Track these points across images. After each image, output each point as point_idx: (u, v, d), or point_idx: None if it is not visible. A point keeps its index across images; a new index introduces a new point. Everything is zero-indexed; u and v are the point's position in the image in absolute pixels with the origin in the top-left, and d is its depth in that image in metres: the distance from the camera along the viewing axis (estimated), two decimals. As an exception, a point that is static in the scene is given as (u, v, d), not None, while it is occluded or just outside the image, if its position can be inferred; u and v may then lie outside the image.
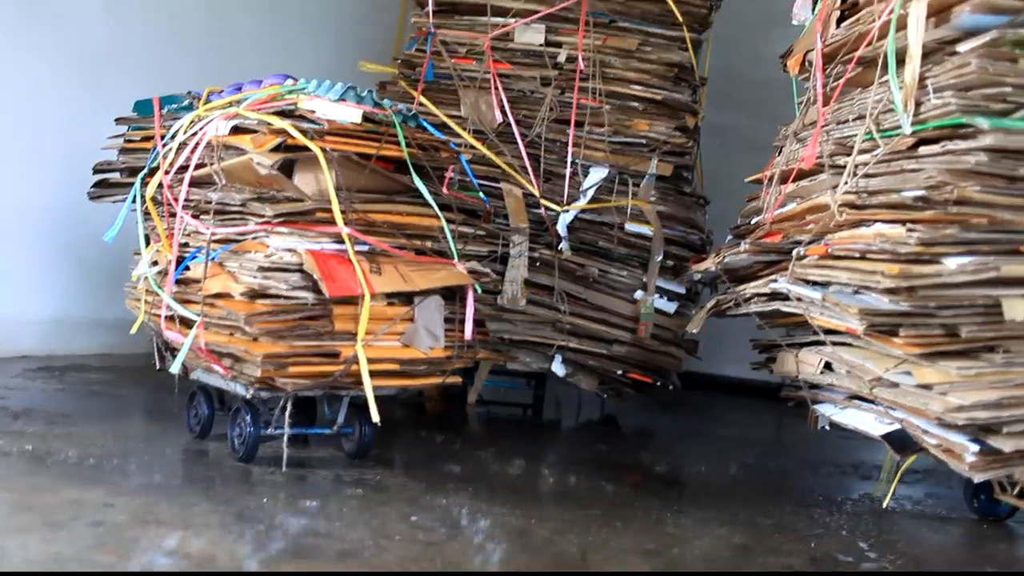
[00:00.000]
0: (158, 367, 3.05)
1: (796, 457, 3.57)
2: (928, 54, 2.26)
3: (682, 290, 3.68)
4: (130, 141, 3.29)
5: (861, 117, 2.44)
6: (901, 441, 2.36)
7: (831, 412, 2.63)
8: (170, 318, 2.75)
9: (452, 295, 2.79)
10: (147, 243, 2.99)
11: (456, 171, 3.04)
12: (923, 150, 2.20)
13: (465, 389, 3.76)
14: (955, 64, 2.15)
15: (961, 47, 2.19)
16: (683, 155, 3.77)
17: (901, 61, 2.28)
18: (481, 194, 3.15)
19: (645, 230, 3.62)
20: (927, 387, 2.17)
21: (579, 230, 3.64)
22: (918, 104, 2.23)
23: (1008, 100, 2.09)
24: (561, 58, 3.65)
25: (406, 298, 2.70)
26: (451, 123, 3.61)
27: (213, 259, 2.68)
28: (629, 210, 3.62)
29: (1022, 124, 2.06)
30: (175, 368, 2.73)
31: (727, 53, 4.22)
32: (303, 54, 4.73)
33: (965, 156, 2.08)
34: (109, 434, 2.82)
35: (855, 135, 2.45)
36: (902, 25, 2.28)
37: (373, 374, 2.55)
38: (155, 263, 2.91)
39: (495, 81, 3.64)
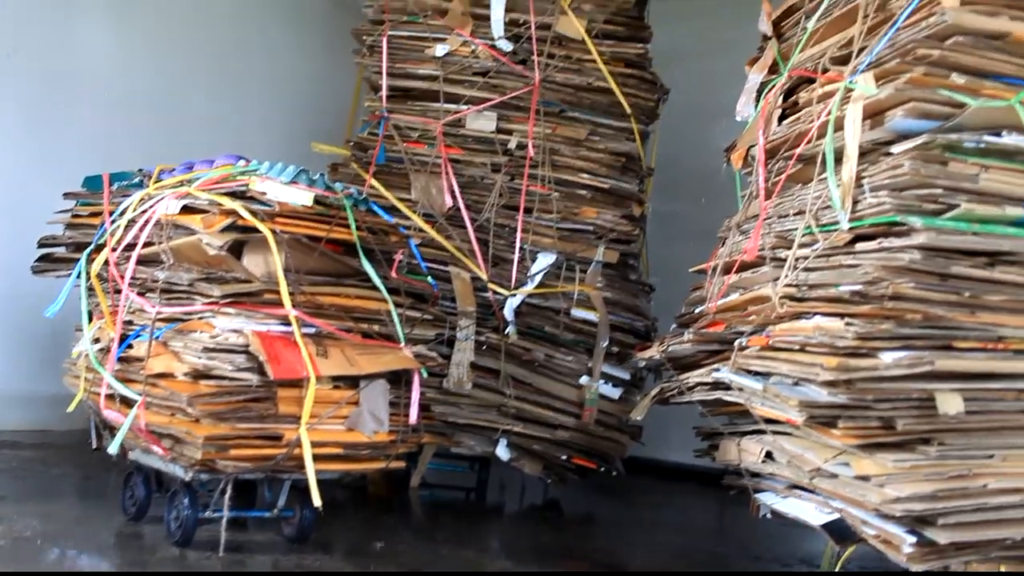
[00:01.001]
0: (95, 446, 2.99)
1: (738, 545, 3.58)
2: (864, 154, 2.35)
3: (627, 376, 3.71)
4: (78, 216, 3.27)
5: (801, 212, 2.51)
6: (840, 531, 2.38)
7: (773, 501, 2.65)
8: (110, 397, 2.71)
9: (398, 379, 2.79)
10: (90, 319, 2.96)
11: (405, 255, 3.07)
12: (860, 246, 2.27)
13: (409, 472, 3.73)
14: (889, 165, 2.23)
15: (895, 149, 2.27)
16: (629, 243, 3.84)
17: (839, 160, 2.35)
18: (429, 278, 3.17)
19: (591, 316, 3.66)
20: (865, 478, 2.20)
21: (526, 315, 3.68)
22: (855, 202, 2.30)
23: (939, 201, 2.16)
24: (512, 145, 3.72)
25: (352, 381, 2.70)
26: (401, 206, 3.65)
27: (157, 338, 2.65)
28: (576, 296, 3.67)
29: (953, 224, 2.13)
30: (113, 448, 2.68)
31: (674, 144, 4.33)
32: (256, 134, 4.76)
33: (900, 253, 2.14)
34: (41, 515, 2.75)
35: (795, 229, 2.51)
36: (840, 126, 2.37)
37: (316, 458, 2.53)
38: (97, 340, 2.88)
39: (446, 166, 3.70)
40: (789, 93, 2.81)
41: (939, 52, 2.18)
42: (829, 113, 2.40)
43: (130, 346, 2.74)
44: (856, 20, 2.48)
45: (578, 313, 3.68)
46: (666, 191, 4.53)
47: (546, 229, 3.70)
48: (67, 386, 3.03)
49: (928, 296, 2.14)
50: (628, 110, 3.76)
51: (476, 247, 3.65)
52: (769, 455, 2.58)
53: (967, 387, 2.15)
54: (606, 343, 3.66)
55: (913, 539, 2.15)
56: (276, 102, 4.96)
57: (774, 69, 2.95)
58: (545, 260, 3.67)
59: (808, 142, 2.53)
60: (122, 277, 2.75)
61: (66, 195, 3.29)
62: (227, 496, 2.55)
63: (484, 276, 3.63)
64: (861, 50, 2.43)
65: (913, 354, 2.11)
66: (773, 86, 2.86)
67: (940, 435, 2.17)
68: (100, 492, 3.17)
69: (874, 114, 2.32)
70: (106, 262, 2.85)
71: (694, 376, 2.74)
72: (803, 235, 2.47)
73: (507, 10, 3.71)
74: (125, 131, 4.23)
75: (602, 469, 3.79)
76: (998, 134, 2.19)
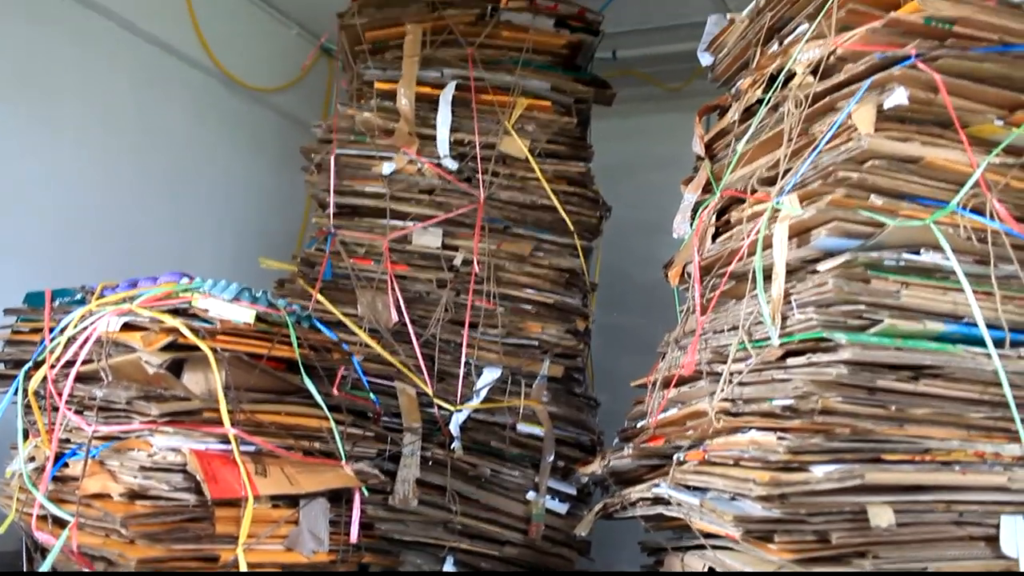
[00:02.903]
0: (26, 570, 2.90)
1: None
2: (792, 271, 2.43)
3: (573, 491, 3.70)
4: (18, 332, 3.24)
5: (735, 328, 2.57)
6: (785, 648, 2.37)
7: (719, 617, 2.63)
8: (42, 518, 2.65)
9: (339, 497, 2.76)
10: (26, 438, 2.91)
11: (349, 371, 3.08)
12: (791, 361, 2.32)
13: (355, 592, 3.66)
14: (815, 282, 2.30)
15: (821, 266, 2.35)
16: (574, 357, 3.87)
17: (769, 277, 2.43)
18: (372, 395, 3.18)
19: (537, 431, 3.67)
20: (804, 594, 2.21)
21: (472, 430, 3.67)
22: (784, 318, 2.37)
23: (863, 317, 2.23)
24: (457, 261, 3.77)
25: (291, 500, 2.67)
26: (347, 322, 3.67)
27: (93, 457, 2.62)
28: (521, 411, 3.67)
29: (877, 339, 2.20)
30: (44, 571, 2.60)
31: (618, 257, 4.42)
32: (206, 251, 4.78)
33: (827, 368, 2.20)
34: (-35, 645, 2.65)
35: (730, 344, 2.57)
36: (768, 244, 2.45)
37: (253, 579, 2.48)
38: (32, 459, 2.83)
39: (392, 282, 3.74)
40: (722, 212, 2.91)
41: (858, 175, 2.29)
42: (758, 232, 2.49)
43: (65, 465, 2.70)
44: (782, 143, 2.60)
45: (524, 428, 3.68)
46: (611, 304, 4.61)
47: (491, 344, 3.72)
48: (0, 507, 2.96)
49: (856, 410, 2.19)
50: (571, 227, 3.84)
51: (422, 362, 3.66)
52: (712, 571, 2.58)
53: (898, 500, 2.18)
54: (552, 458, 3.65)
55: (852, 655, 2.15)
56: (226, 219, 4.99)
57: (708, 189, 3.05)
58: (491, 375, 3.69)
59: (740, 260, 2.61)
60: (59, 395, 2.72)
61: (7, 311, 3.27)
62: (161, 621, 2.49)
63: (430, 391, 3.63)
64: (787, 172, 2.53)
65: (843, 467, 2.15)
66: (707, 205, 2.96)
67: (874, 548, 2.19)
68: (31, 618, 3.06)
69: (800, 233, 2.41)
70: (44, 379, 2.82)
71: (636, 491, 2.75)
72: (737, 350, 2.53)
73: (453, 130, 3.81)
74: (72, 247, 4.20)
75: (550, 587, 3.74)
76: (916, 252, 2.29)
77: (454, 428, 3.62)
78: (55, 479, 2.69)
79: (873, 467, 2.16)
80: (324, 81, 5.59)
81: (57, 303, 3.11)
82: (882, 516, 2.14)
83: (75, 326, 2.84)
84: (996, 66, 2.32)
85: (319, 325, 2.96)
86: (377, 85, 3.91)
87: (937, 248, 2.26)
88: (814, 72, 2.52)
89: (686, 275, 3.02)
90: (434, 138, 3.82)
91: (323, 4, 4.54)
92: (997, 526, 2.22)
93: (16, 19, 3.90)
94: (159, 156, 4.65)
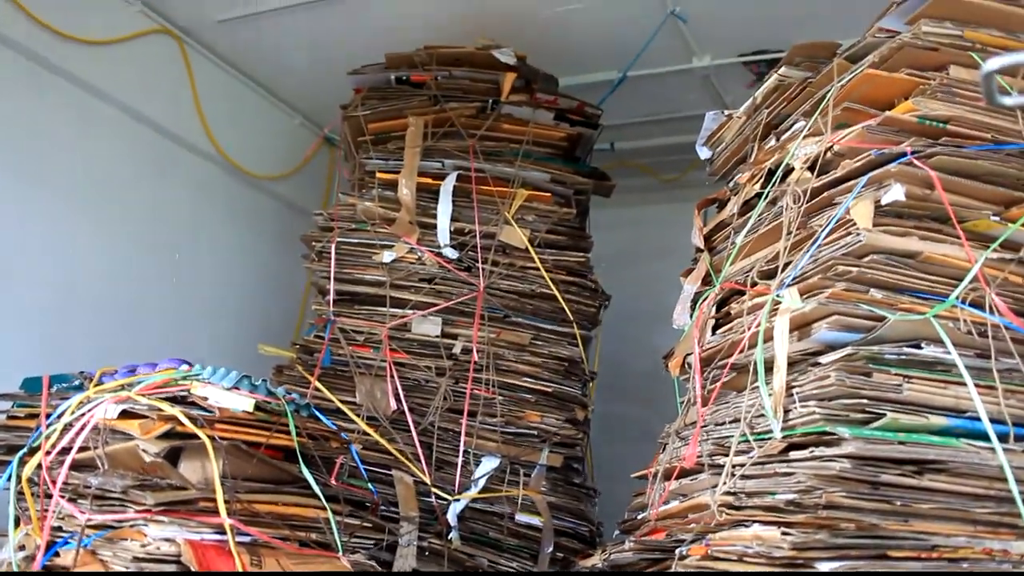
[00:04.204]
0: (11, 664, 2.83)
1: None
2: (793, 364, 2.43)
3: (572, 583, 3.64)
4: (13, 418, 3.22)
5: (736, 420, 2.56)
6: None
7: None
8: (30, 610, 2.60)
9: (334, 589, 2.71)
10: (17, 525, 2.86)
11: (346, 460, 3.05)
12: (793, 455, 2.31)
13: None
14: (817, 376, 2.30)
15: (822, 359, 2.36)
16: (573, 446, 3.84)
17: (770, 369, 2.43)
18: (370, 485, 3.14)
19: (535, 521, 3.62)
20: None
21: (469, 519, 3.62)
22: (787, 411, 2.36)
23: (866, 410, 2.23)
24: (456, 350, 3.77)
25: (286, 592, 2.62)
26: (345, 409, 3.65)
27: (86, 546, 2.57)
28: (520, 500, 3.63)
29: (880, 434, 2.19)
30: (30, 667, 2.54)
31: (617, 345, 4.43)
32: (203, 333, 4.77)
33: (830, 462, 2.18)
34: None
35: (732, 437, 2.56)
36: (769, 337, 2.46)
37: (245, 675, 2.42)
38: (22, 547, 2.78)
39: (391, 369, 3.73)
40: (722, 304, 2.92)
41: (857, 269, 2.31)
42: (759, 324, 2.50)
43: (56, 554, 2.65)
44: (781, 237, 2.62)
45: (522, 518, 3.64)
46: (610, 393, 4.59)
47: (490, 433, 3.70)
48: (-13, 597, 2.90)
49: (861, 505, 2.17)
50: (571, 316, 3.85)
51: (420, 451, 3.64)
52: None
53: (905, 598, 2.15)
54: (550, 548, 3.60)
55: None
56: (226, 304, 4.99)
57: (707, 280, 3.07)
58: (489, 464, 3.66)
59: (740, 351, 2.61)
60: (53, 482, 2.69)
61: (3, 396, 3.24)
62: None
63: (427, 480, 3.60)
64: (786, 265, 2.56)
65: (849, 564, 2.11)
66: (707, 297, 2.97)
67: (882, 648, 2.15)
68: None
69: (801, 326, 2.41)
70: (39, 466, 2.78)
71: (636, 586, 2.71)
72: (739, 443, 2.51)
73: (453, 220, 3.84)
74: (71, 328, 4.18)
75: None
76: (917, 346, 2.29)
77: (452, 518, 3.57)
78: (45, 568, 2.63)
79: (879, 564, 2.13)
80: (325, 170, 5.67)
81: (55, 389, 3.09)
82: (891, 614, 2.10)
83: (72, 412, 2.81)
84: (990, 163, 2.36)
85: (318, 414, 2.95)
86: (379, 175, 3.97)
87: (938, 342, 2.27)
88: (811, 168, 2.56)
89: (686, 366, 3.02)
90: (434, 227, 3.85)
91: (326, 95, 4.64)
92: (1006, 625, 2.18)
93: (22, 103, 3.95)
94: (161, 240, 4.68)
